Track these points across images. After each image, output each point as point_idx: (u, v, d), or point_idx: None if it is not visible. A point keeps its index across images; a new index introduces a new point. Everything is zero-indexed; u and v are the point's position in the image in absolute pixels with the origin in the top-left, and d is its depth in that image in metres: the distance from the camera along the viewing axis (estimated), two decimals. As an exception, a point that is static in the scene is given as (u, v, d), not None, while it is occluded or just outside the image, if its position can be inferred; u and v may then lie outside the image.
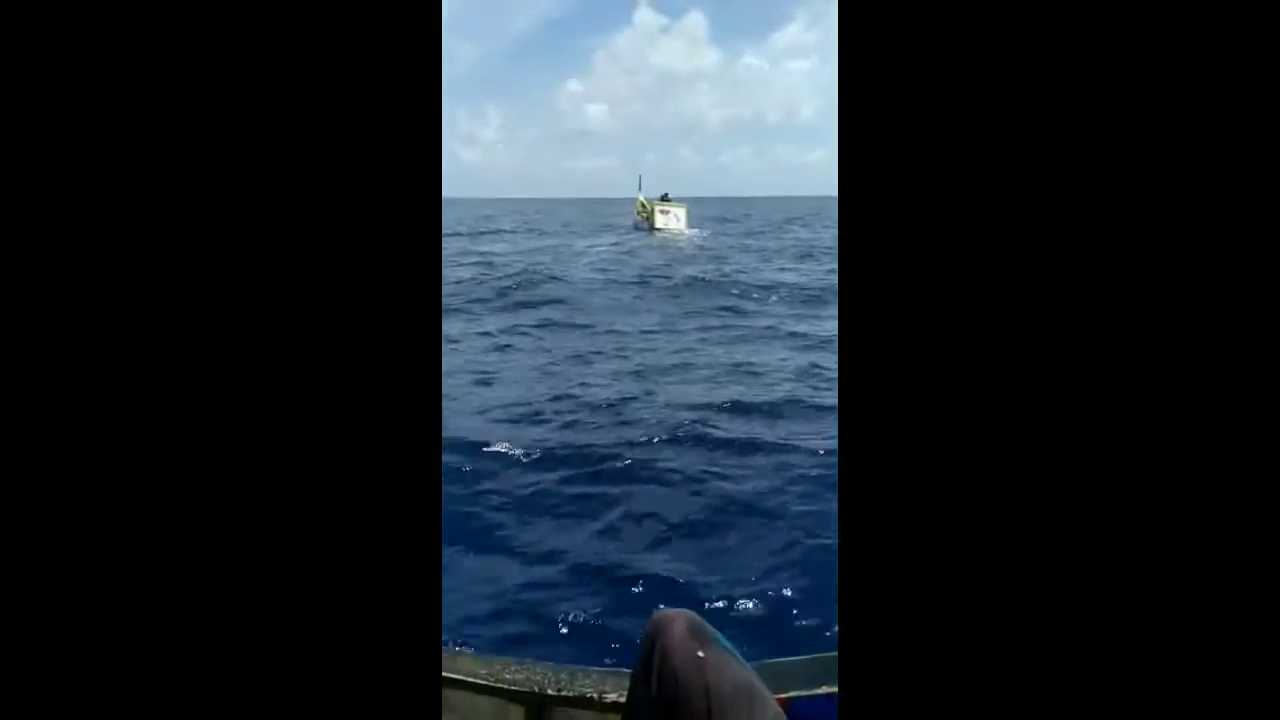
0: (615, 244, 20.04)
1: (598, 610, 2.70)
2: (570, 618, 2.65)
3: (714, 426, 4.62)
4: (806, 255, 17.48)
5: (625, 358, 6.78)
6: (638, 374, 6.14)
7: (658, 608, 0.97)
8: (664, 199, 23.75)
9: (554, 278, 12.66)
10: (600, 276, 13.17)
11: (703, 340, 7.66)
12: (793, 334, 8.03)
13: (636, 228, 24.91)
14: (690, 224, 23.45)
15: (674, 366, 6.39)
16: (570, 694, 1.15)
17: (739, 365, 6.35)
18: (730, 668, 0.89)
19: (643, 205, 25.51)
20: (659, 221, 22.73)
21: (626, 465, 4.01)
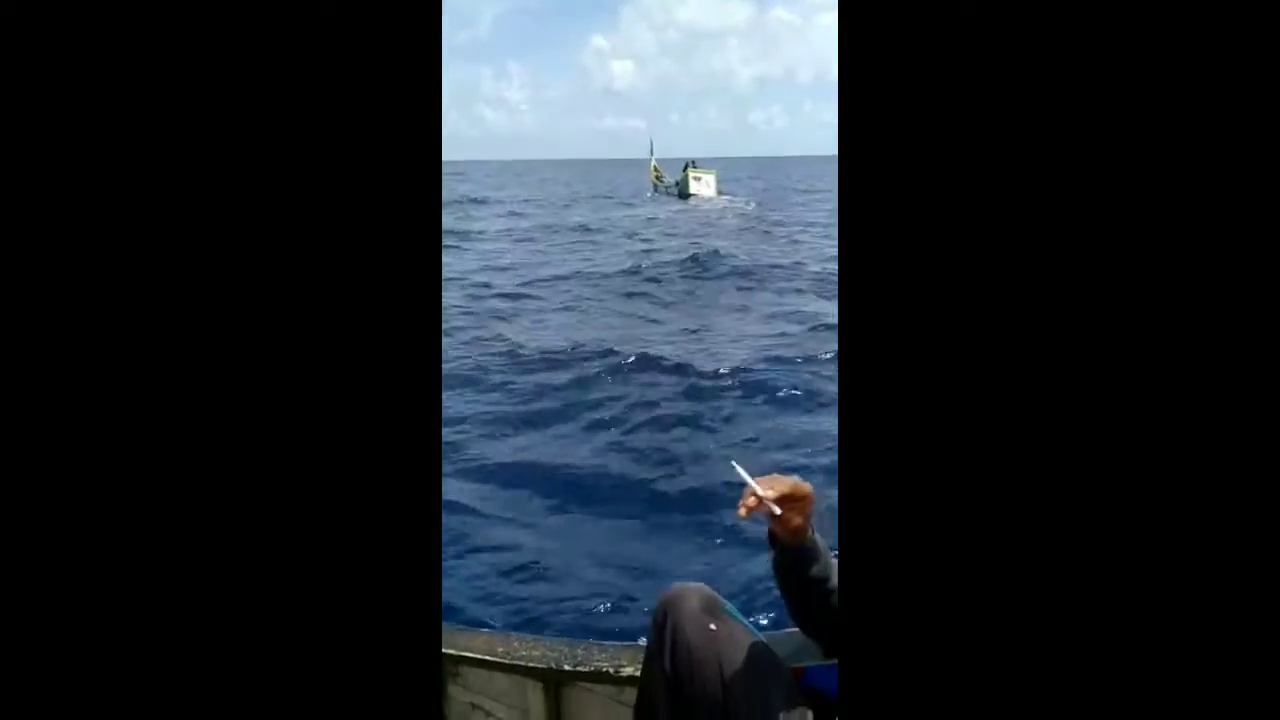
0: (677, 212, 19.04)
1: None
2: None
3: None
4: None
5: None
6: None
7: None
8: (691, 165, 23.24)
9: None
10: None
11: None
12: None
13: (658, 192, 24.30)
14: (720, 190, 22.98)
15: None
16: (587, 669, 1.17)
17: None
18: (742, 639, 0.93)
19: (656, 170, 25.27)
20: (692, 188, 22.29)
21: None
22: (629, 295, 7.86)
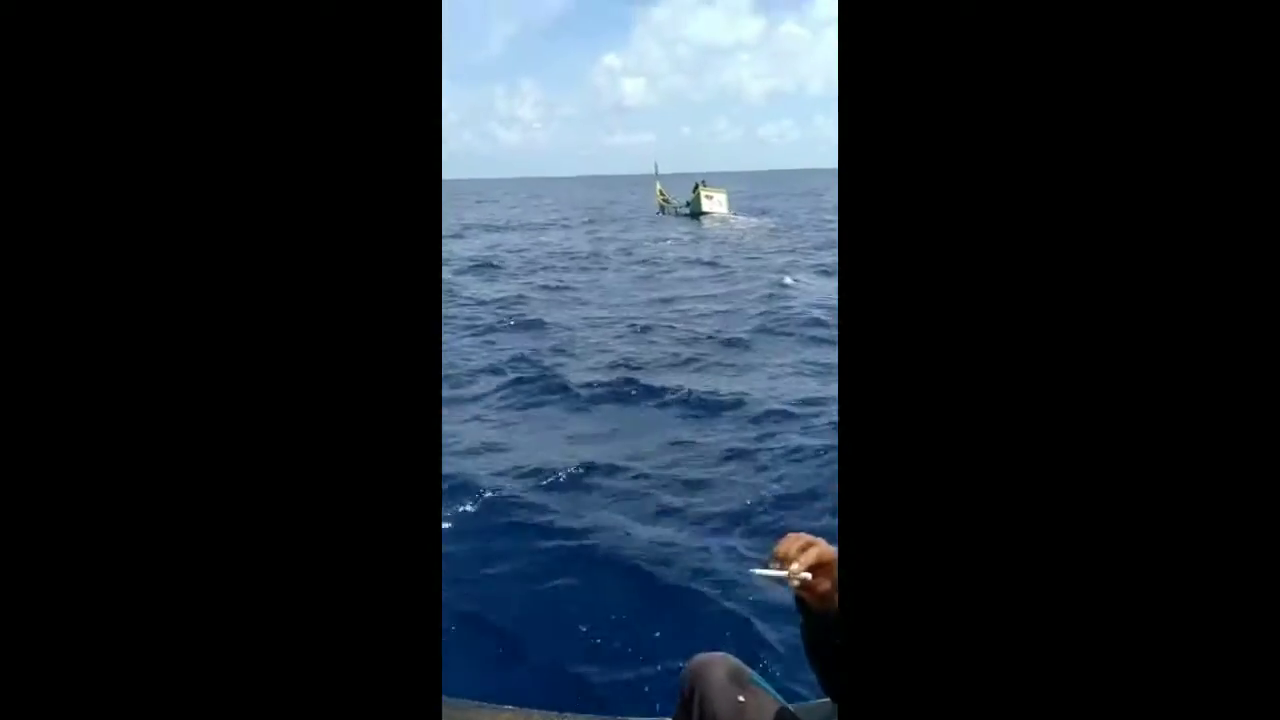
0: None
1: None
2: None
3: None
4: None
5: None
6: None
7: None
8: (702, 184, 23.73)
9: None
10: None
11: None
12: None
13: (666, 213, 24.67)
14: (731, 207, 23.47)
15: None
16: None
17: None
18: (771, 710, 0.91)
19: (661, 192, 25.53)
20: (705, 206, 22.72)
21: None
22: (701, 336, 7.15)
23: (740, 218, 22.21)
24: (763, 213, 24.78)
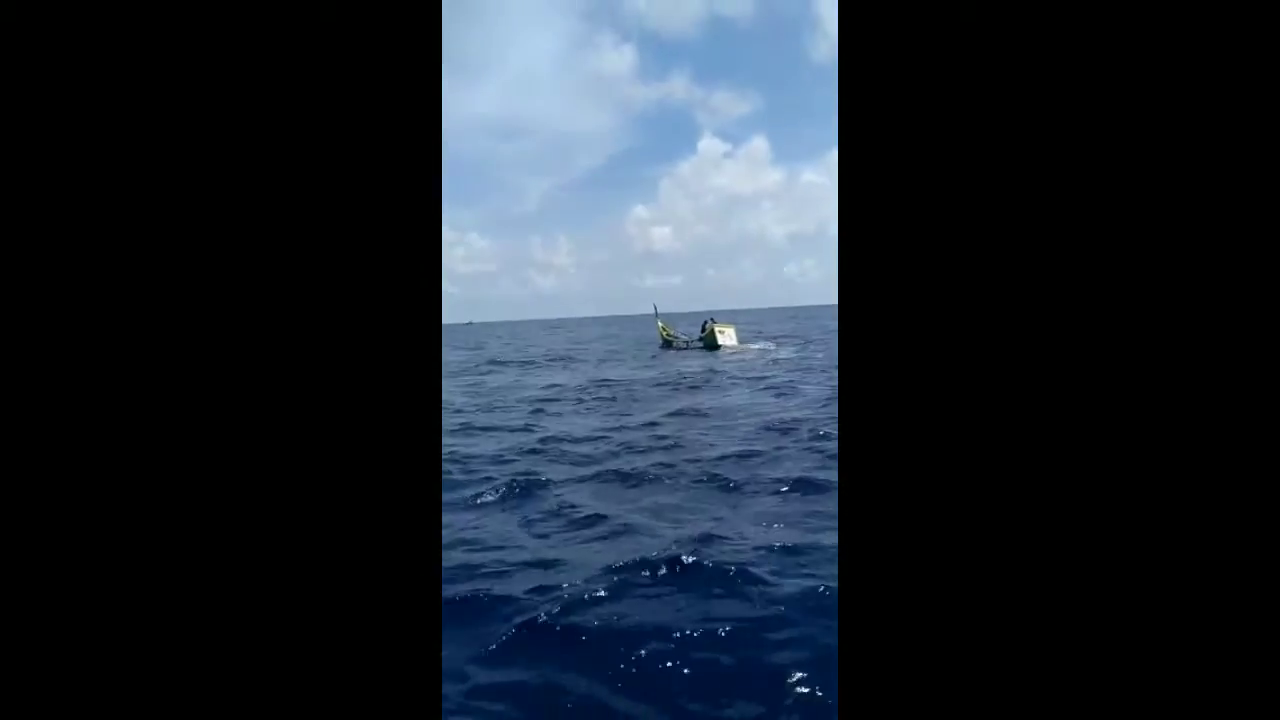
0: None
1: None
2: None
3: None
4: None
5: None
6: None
7: None
8: (711, 321, 26.04)
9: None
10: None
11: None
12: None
13: (674, 346, 26.72)
14: (740, 340, 25.57)
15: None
16: None
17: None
18: None
19: (665, 329, 27.70)
20: (721, 340, 24.81)
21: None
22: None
23: (760, 345, 24.23)
24: (777, 339, 26.64)
